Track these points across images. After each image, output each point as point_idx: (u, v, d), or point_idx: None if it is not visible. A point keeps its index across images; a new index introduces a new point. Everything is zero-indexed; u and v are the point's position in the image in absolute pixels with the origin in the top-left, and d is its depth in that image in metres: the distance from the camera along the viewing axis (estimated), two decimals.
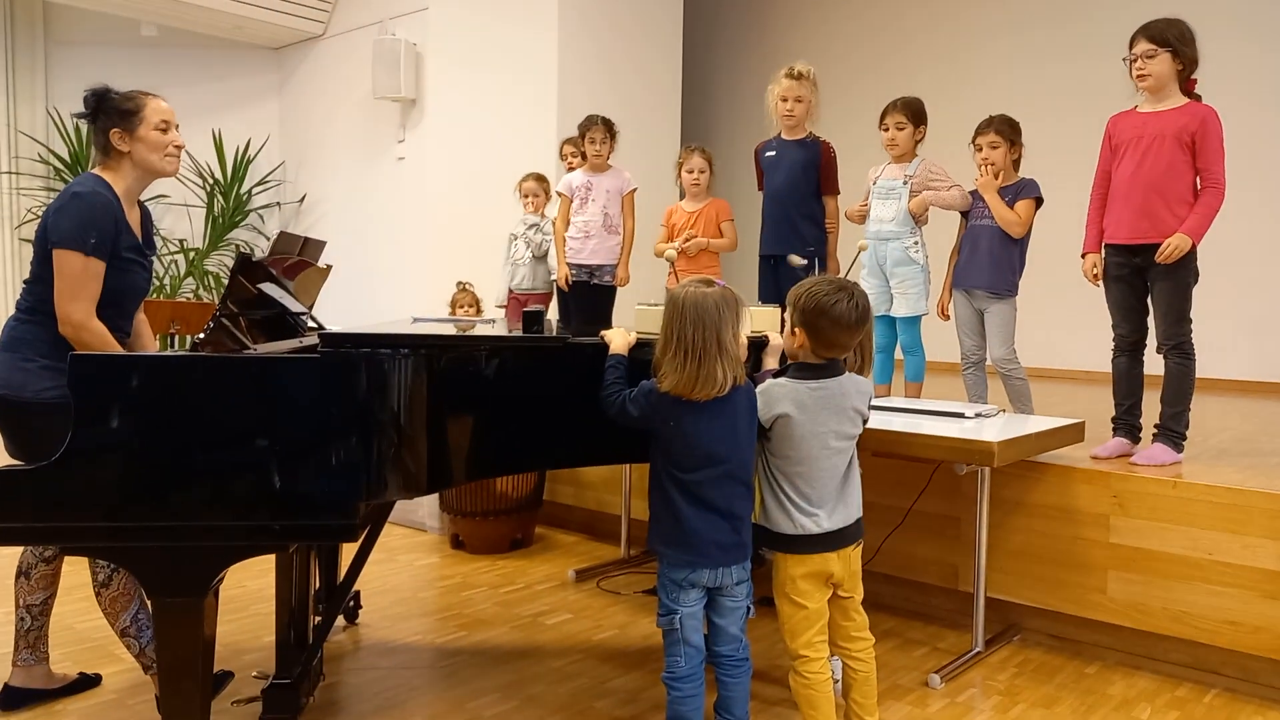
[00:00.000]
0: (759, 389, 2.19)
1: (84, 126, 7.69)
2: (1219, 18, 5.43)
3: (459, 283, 5.11)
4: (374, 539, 2.41)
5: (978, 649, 2.90)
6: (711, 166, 4.35)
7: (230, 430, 1.82)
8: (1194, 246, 2.99)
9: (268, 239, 7.85)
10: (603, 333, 2.28)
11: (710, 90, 8.17)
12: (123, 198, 2.36)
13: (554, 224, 4.64)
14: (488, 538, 4.02)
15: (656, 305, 2.74)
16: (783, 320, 2.39)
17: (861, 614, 2.27)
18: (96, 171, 2.37)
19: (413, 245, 6.60)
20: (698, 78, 7.89)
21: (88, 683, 2.61)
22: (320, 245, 2.83)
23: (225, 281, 7.93)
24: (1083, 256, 3.26)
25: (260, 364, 1.88)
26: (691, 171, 4.31)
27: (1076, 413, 3.29)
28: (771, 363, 2.36)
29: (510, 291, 4.93)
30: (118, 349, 2.30)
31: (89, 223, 2.25)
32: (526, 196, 4.94)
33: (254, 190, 7.80)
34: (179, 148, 2.44)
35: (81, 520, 1.80)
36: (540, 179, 4.97)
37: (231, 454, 1.82)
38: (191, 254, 7.55)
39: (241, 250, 7.52)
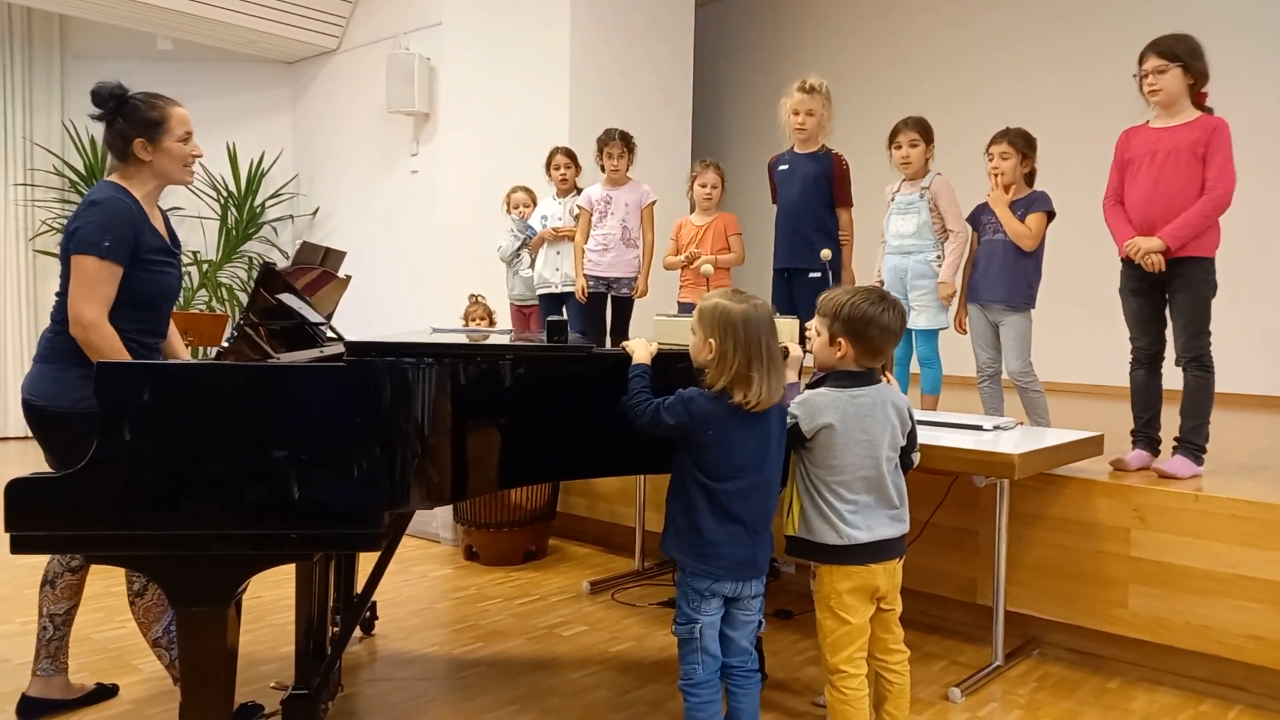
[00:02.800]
0: (799, 400, 2.19)
1: (98, 135, 7.65)
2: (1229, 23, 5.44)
3: (471, 295, 5.13)
4: (393, 549, 2.40)
5: (997, 663, 2.88)
6: (724, 182, 4.39)
7: (255, 439, 1.82)
8: (1170, 251, 2.98)
9: (281, 251, 7.89)
10: (625, 343, 2.28)
11: (722, 103, 8.21)
12: (142, 202, 2.36)
13: (574, 237, 4.65)
14: (501, 549, 4.01)
15: (675, 316, 2.75)
16: (802, 333, 2.40)
17: (899, 627, 2.26)
18: (114, 179, 2.37)
19: (426, 258, 6.62)
20: (709, 91, 7.92)
21: (104, 693, 2.61)
22: (341, 255, 2.83)
23: (238, 293, 7.95)
24: (1123, 247, 3.12)
25: (286, 373, 1.88)
26: (705, 186, 4.36)
27: (1093, 427, 3.27)
28: (790, 375, 2.35)
29: (513, 304, 5.10)
30: (125, 353, 2.27)
31: (103, 226, 2.25)
32: (518, 208, 5.10)
33: (267, 203, 7.84)
34: (196, 157, 2.45)
35: (104, 529, 1.79)
36: (529, 190, 5.14)
37: (256, 462, 1.81)
38: (205, 266, 7.59)
39: (256, 262, 7.59)
